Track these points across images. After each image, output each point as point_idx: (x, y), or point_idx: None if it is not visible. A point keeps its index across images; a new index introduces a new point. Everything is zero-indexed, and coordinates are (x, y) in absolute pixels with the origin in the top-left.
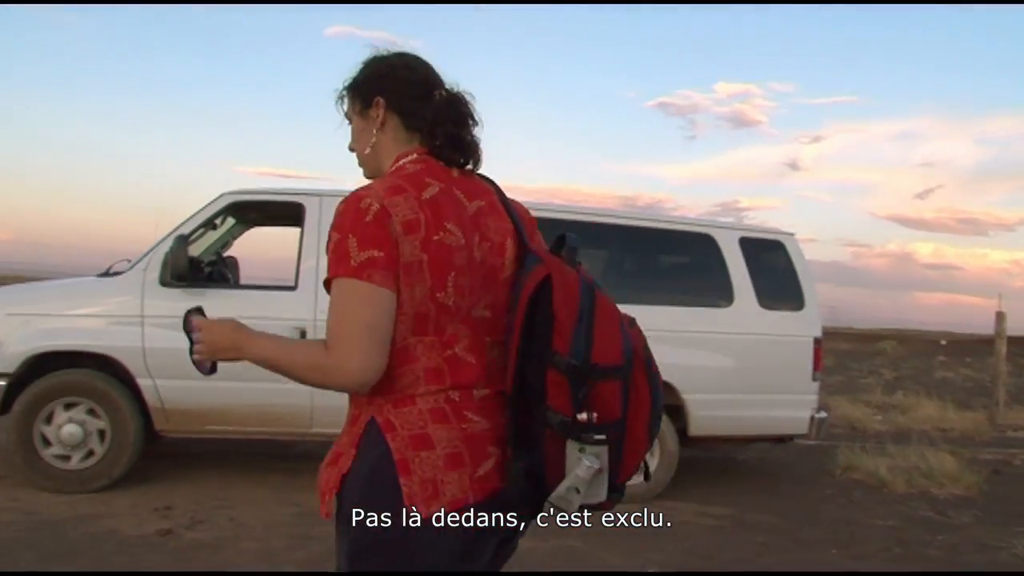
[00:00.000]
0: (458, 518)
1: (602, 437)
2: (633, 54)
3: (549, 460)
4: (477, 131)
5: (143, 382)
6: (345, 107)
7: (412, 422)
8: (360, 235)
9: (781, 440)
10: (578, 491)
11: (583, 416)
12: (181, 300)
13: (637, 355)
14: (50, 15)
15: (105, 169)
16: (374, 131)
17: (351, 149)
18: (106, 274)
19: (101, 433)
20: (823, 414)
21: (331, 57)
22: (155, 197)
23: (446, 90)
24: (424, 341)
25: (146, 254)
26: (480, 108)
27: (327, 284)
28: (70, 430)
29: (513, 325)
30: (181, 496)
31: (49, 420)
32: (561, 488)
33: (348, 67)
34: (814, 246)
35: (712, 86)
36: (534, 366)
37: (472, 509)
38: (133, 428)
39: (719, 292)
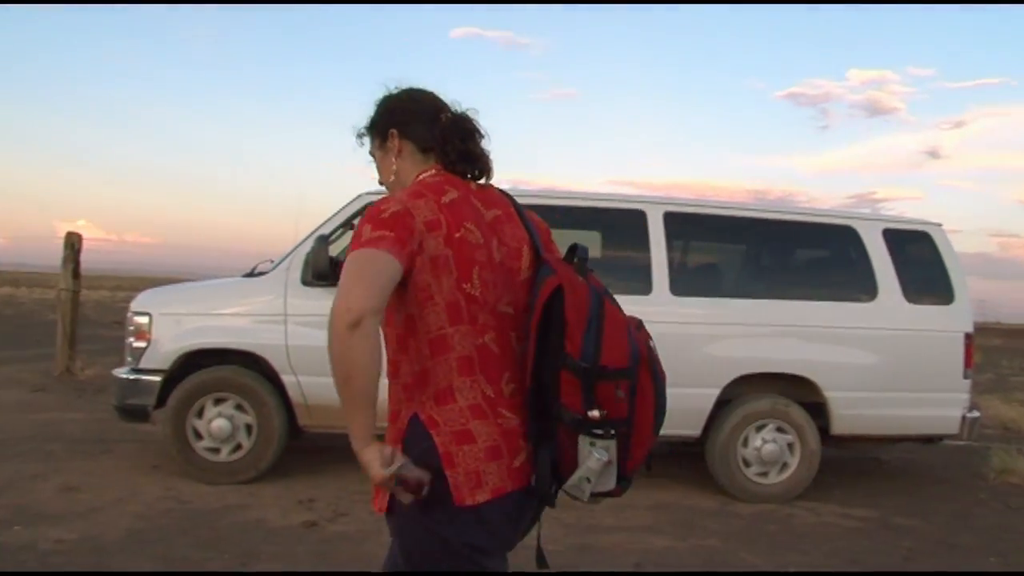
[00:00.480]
0: (498, 506)
1: (611, 433)
2: (761, 45)
3: (563, 452)
4: (485, 143)
5: (287, 379)
6: (367, 146)
7: (454, 419)
8: (374, 223)
9: (929, 440)
10: (589, 480)
11: (593, 413)
12: (322, 299)
13: (643, 358)
14: (183, 21)
15: (242, 173)
16: (393, 159)
17: (380, 183)
18: (251, 274)
19: (248, 427)
20: (975, 414)
21: (457, 58)
22: (292, 199)
23: (451, 112)
24: (460, 330)
25: (288, 255)
26: (602, 106)
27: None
28: (219, 424)
29: (530, 330)
30: (324, 489)
31: (200, 414)
32: (574, 478)
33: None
34: (958, 237)
35: (845, 73)
36: (548, 367)
37: (510, 497)
38: (278, 423)
39: (862, 286)
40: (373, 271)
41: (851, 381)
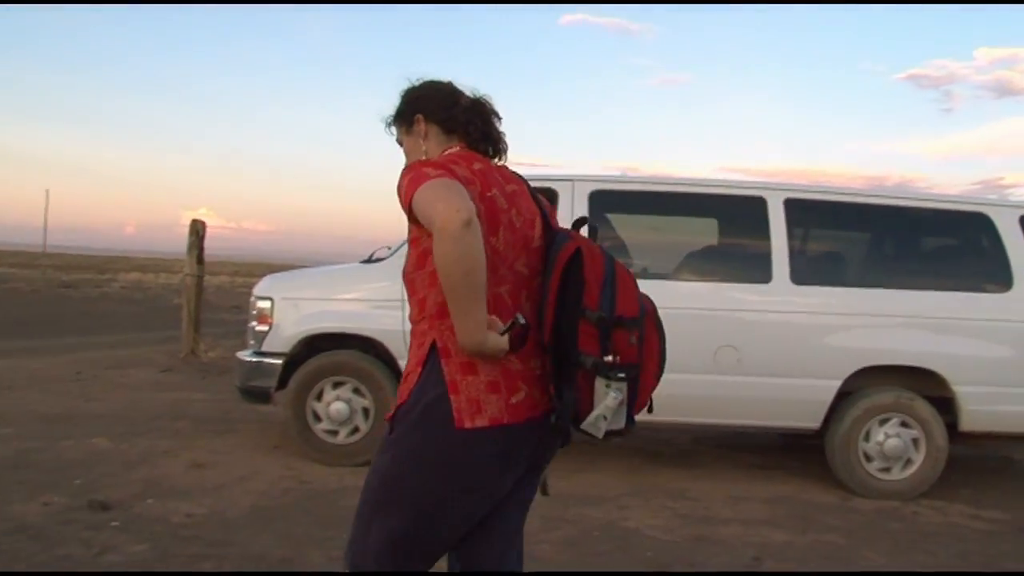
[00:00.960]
0: (495, 434)
1: (624, 375)
2: (879, 25)
3: (580, 394)
4: (501, 125)
5: (403, 363)
6: (396, 134)
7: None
8: (432, 166)
9: None
10: (605, 418)
11: (609, 358)
12: None
13: (648, 311)
14: (306, 18)
15: (359, 162)
16: (422, 142)
17: None
18: (368, 260)
19: (365, 411)
20: None
21: (566, 45)
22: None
23: (469, 96)
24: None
25: (405, 241)
26: (714, 91)
27: (409, 210)
28: (337, 407)
29: (549, 287)
30: None
31: (320, 397)
32: (592, 416)
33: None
34: None
35: (971, 53)
36: (567, 319)
37: (506, 430)
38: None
39: (995, 276)
40: (456, 188)
41: (982, 375)
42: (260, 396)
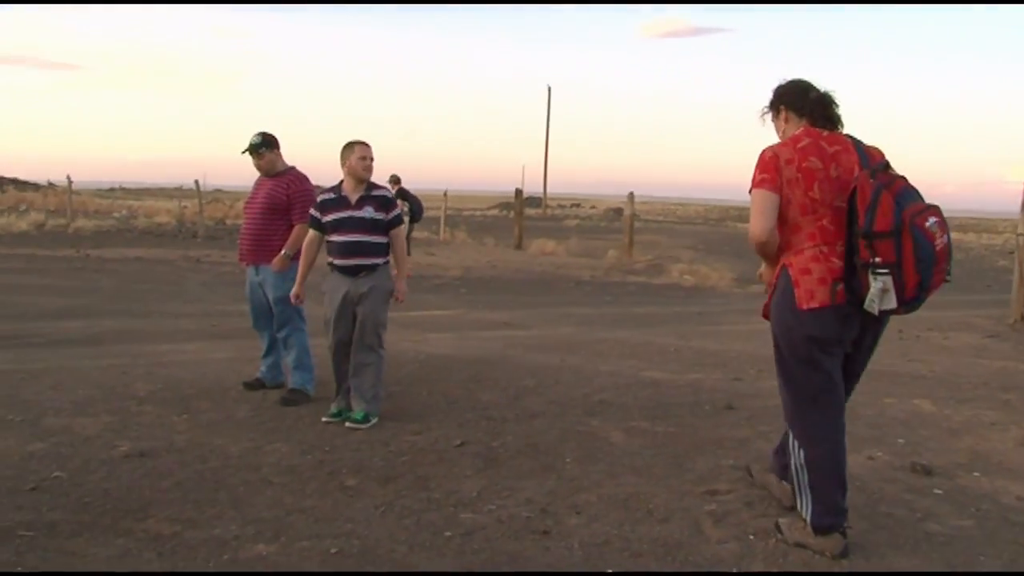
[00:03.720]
0: (823, 312)
1: (884, 271)
2: None
3: (862, 285)
4: (839, 110)
5: None
6: (769, 117)
7: (802, 262)
8: (759, 168)
9: None
10: (874, 301)
11: (874, 259)
12: None
13: (904, 224)
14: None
15: None
16: (783, 124)
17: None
18: None
19: None
20: None
21: None
22: None
23: (816, 91)
24: (807, 219)
25: None
26: None
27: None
28: None
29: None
30: None
31: None
32: (867, 299)
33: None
34: None
35: None
36: (852, 235)
37: (835, 308)
38: None
39: None
40: (762, 205)
41: None
42: None
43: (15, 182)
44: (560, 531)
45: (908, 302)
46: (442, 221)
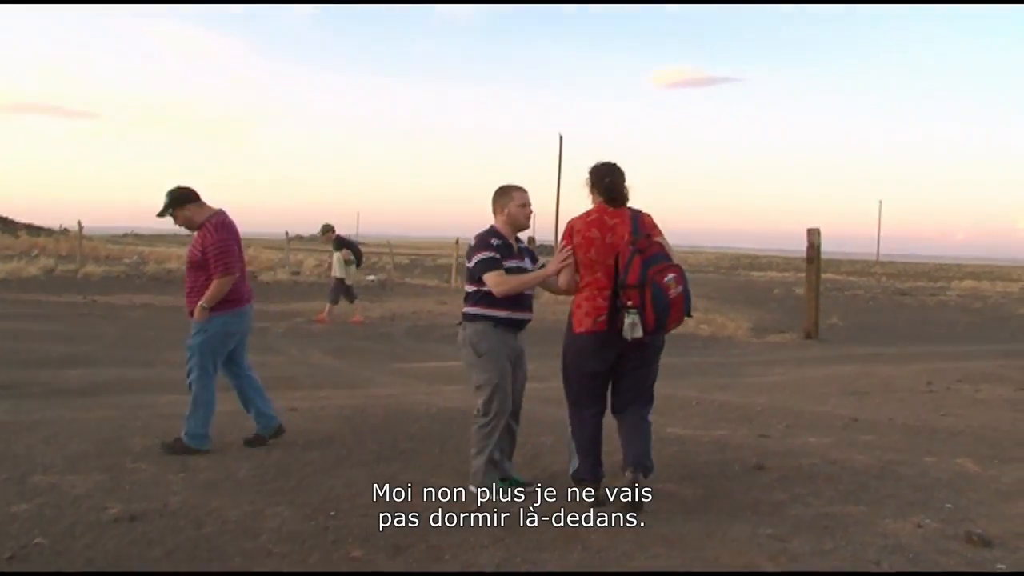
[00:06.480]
0: (591, 337)
1: (634, 311)
2: None
3: (621, 319)
4: (626, 191)
5: None
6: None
7: (579, 300)
8: (564, 235)
9: None
10: (627, 331)
11: (626, 303)
12: None
13: (648, 280)
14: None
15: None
16: (590, 195)
17: None
18: None
19: None
20: None
21: None
22: None
23: (611, 176)
24: (587, 271)
25: None
26: None
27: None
28: None
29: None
30: None
31: None
32: (624, 329)
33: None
34: None
35: None
36: (616, 285)
37: (595, 334)
38: None
39: None
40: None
41: None
42: None
43: (29, 227)
44: None
45: (651, 333)
46: (453, 269)
